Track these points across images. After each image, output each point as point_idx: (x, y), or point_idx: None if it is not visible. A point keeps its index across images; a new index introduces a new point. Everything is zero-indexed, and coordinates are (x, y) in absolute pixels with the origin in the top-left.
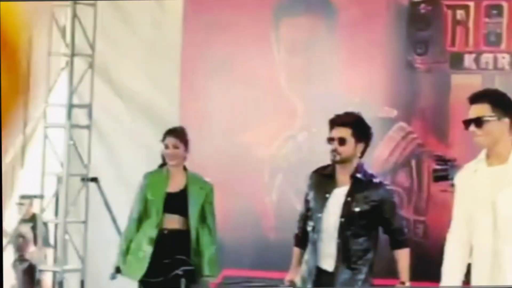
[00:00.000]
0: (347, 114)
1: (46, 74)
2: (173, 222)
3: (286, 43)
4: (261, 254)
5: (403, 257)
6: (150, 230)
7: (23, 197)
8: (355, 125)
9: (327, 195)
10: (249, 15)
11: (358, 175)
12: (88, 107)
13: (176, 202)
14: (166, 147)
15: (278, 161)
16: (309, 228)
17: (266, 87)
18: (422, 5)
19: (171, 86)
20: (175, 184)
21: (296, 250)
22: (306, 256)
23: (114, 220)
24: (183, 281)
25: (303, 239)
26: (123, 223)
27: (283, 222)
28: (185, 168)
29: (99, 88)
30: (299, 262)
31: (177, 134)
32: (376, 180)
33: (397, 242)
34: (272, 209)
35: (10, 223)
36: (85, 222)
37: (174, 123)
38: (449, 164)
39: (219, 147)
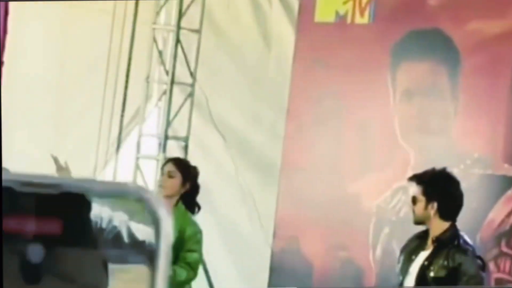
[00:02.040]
0: (425, 172)
1: (141, 101)
2: None
3: (403, 88)
4: None
5: None
6: None
7: None
8: (428, 183)
9: (413, 257)
10: (364, 56)
11: (442, 238)
12: (185, 139)
13: None
14: (162, 173)
15: (386, 213)
16: None
17: (379, 134)
18: None
19: (275, 126)
20: None
21: None
22: None
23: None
24: None
25: None
26: (214, 268)
27: (385, 280)
28: (178, 205)
29: (195, 120)
30: None
31: (177, 162)
32: (465, 247)
33: None
34: (375, 266)
35: None
36: None
37: (275, 164)
38: None
39: (322, 195)
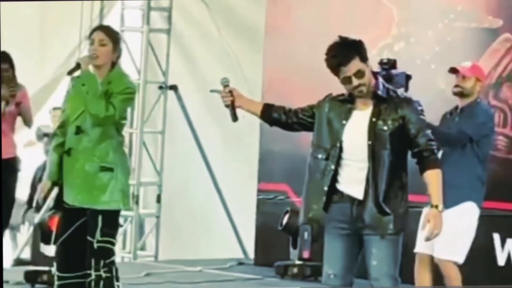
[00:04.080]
0: (343, 47)
1: None
2: None
3: None
4: None
5: (433, 179)
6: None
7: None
8: (359, 50)
9: (344, 122)
10: None
11: (379, 93)
12: (168, 10)
13: None
14: (92, 43)
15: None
16: (319, 156)
17: None
18: None
19: None
20: None
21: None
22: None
23: (193, 131)
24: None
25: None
26: (202, 134)
27: None
28: (115, 69)
29: None
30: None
31: (107, 30)
32: (400, 95)
33: (425, 162)
34: None
35: None
36: (162, 133)
37: (259, 29)
38: None
39: (308, 59)
